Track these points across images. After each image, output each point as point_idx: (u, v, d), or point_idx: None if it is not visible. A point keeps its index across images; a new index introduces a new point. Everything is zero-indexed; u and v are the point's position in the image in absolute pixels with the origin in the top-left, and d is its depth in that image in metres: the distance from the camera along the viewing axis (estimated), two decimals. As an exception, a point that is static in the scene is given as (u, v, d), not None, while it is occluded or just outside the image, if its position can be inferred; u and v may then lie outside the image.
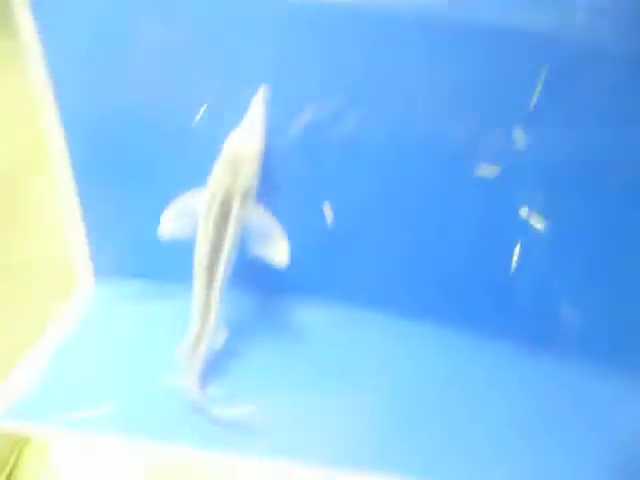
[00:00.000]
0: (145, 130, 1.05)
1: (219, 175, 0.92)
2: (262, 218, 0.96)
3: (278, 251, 0.95)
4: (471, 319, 1.10)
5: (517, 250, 1.00)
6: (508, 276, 1.03)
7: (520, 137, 0.92)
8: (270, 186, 1.00)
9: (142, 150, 1.07)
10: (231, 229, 0.92)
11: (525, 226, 0.98)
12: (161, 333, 1.10)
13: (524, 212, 0.98)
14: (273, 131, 0.97)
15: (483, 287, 1.07)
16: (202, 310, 0.97)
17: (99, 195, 1.13)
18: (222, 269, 0.94)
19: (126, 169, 1.09)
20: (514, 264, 1.01)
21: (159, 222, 1.05)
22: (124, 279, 1.22)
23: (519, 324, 1.08)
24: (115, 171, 1.10)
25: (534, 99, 0.89)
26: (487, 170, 0.96)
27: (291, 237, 0.94)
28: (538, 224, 0.97)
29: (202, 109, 1.00)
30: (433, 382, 1.04)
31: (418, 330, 1.13)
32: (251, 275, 1.15)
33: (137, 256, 1.20)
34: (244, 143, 0.93)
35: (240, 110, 0.95)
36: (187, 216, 0.96)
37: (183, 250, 1.04)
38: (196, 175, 0.94)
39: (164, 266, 1.17)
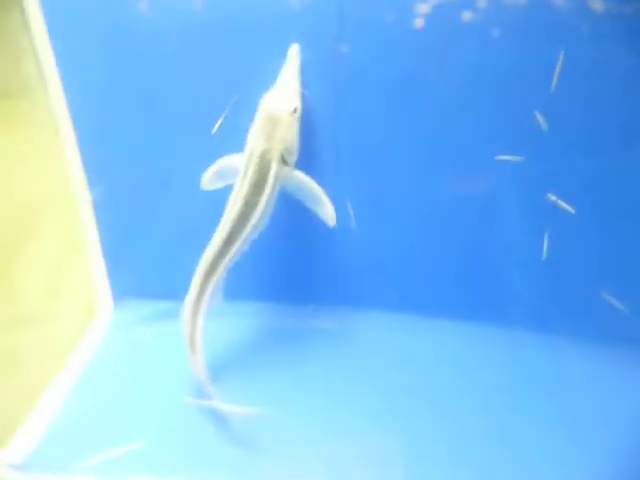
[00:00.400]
0: (162, 153, 1.05)
1: (256, 135, 0.89)
2: (303, 182, 0.93)
3: (324, 214, 0.94)
4: (504, 315, 1.08)
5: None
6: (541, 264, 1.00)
7: (542, 120, 0.90)
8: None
9: (159, 172, 1.07)
10: (267, 190, 0.88)
11: (554, 211, 0.95)
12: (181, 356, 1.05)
13: (552, 197, 0.95)
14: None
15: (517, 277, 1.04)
16: (211, 262, 0.93)
17: (116, 219, 1.13)
18: (249, 228, 0.90)
19: (143, 191, 1.09)
20: (545, 250, 0.99)
21: (176, 243, 1.10)
22: (142, 301, 1.20)
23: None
24: (132, 192, 1.09)
25: (554, 81, 0.87)
26: (508, 157, 0.94)
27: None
28: (568, 207, 0.95)
29: (219, 122, 0.98)
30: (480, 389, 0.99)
31: (448, 327, 1.10)
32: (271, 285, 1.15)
33: (154, 277, 1.19)
34: (279, 102, 0.88)
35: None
36: (228, 175, 0.93)
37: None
38: (213, 197, 0.94)
39: (182, 286, 1.11)
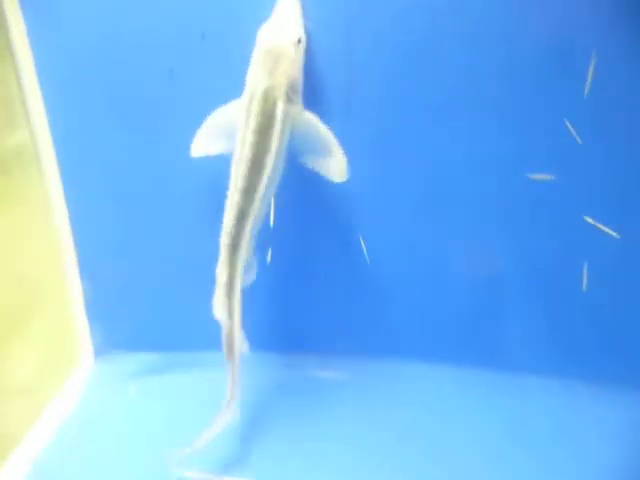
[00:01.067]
0: (146, 207, 0.99)
1: (256, 73, 0.76)
2: (312, 124, 0.80)
3: (334, 164, 0.79)
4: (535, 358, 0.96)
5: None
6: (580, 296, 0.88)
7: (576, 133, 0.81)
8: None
9: (142, 225, 1.01)
10: (275, 137, 0.76)
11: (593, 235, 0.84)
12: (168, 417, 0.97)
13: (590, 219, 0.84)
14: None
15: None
16: (233, 233, 0.79)
17: (99, 267, 1.05)
18: (265, 179, 0.77)
19: (127, 242, 1.03)
20: (585, 282, 0.87)
21: (161, 293, 1.04)
22: (126, 353, 1.09)
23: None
24: (116, 243, 1.03)
25: (587, 89, 0.78)
26: (541, 176, 0.84)
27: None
28: (609, 231, 0.84)
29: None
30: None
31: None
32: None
33: (139, 328, 1.09)
34: (280, 33, 0.76)
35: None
36: (223, 131, 0.80)
37: (184, 319, 1.04)
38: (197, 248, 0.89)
39: (168, 337, 1.08)
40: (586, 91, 0.78)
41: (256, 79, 0.76)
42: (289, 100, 0.76)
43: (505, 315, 0.97)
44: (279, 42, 0.76)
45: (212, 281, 1.01)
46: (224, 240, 0.80)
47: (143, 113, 0.92)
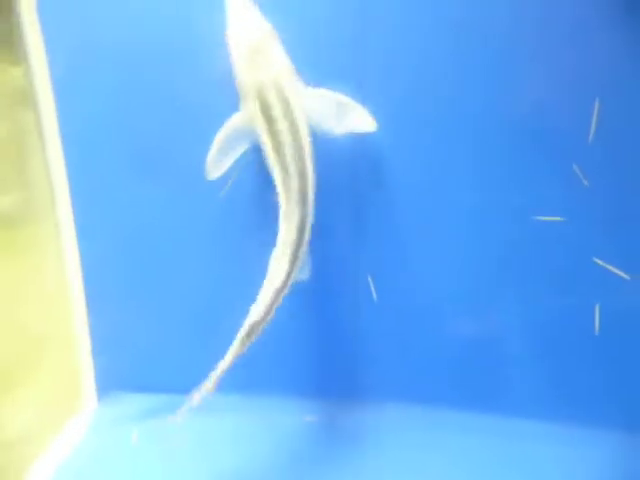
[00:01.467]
0: (154, 249, 1.00)
1: (248, 74, 0.78)
2: (319, 94, 0.81)
3: (357, 117, 0.81)
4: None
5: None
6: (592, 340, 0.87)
7: (582, 176, 0.83)
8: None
9: (150, 266, 1.01)
10: (295, 121, 0.77)
11: (604, 276, 0.84)
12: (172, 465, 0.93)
13: (599, 261, 0.85)
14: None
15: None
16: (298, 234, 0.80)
17: (105, 308, 1.04)
18: (308, 157, 0.78)
19: (134, 282, 1.03)
20: (597, 324, 0.86)
21: (164, 337, 1.03)
22: (129, 394, 1.07)
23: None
24: (122, 284, 1.03)
25: (592, 132, 0.81)
26: (550, 218, 0.85)
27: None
28: (621, 272, 0.84)
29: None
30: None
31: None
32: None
33: (143, 368, 1.07)
34: (248, 28, 0.79)
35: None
36: (232, 145, 0.82)
37: (188, 361, 0.99)
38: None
39: (175, 378, 1.02)
40: (591, 137, 0.81)
41: (251, 80, 0.78)
42: (288, 87, 0.78)
43: (514, 360, 0.95)
44: (254, 35, 0.78)
45: (217, 323, 1.02)
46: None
47: (152, 160, 0.95)
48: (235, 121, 0.82)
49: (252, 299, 0.99)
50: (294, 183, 0.78)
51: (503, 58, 0.81)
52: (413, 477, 0.88)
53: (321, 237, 0.92)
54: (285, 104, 0.77)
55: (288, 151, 0.78)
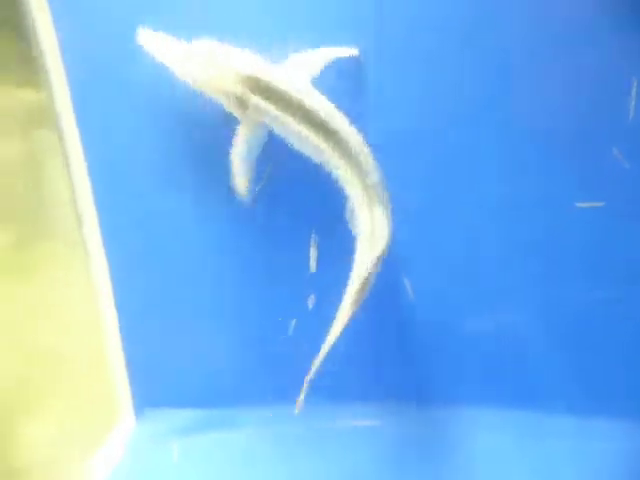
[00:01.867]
0: (187, 265, 0.99)
1: (214, 83, 0.80)
2: None
3: None
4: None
5: None
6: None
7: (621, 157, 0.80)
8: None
9: (185, 283, 1.00)
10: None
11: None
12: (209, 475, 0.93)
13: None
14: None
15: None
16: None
17: (141, 326, 1.03)
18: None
19: (167, 296, 1.01)
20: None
21: (199, 351, 1.01)
22: (168, 410, 1.05)
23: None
24: (157, 302, 1.02)
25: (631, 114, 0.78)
26: (591, 203, 0.82)
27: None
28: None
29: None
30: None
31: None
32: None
33: (182, 383, 1.05)
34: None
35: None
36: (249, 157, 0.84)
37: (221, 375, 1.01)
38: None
39: (214, 391, 1.04)
40: (630, 115, 0.78)
41: (219, 83, 0.79)
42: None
43: (544, 356, 0.93)
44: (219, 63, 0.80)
45: (252, 337, 1.01)
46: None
47: (178, 175, 0.94)
48: (242, 133, 0.83)
49: (284, 313, 1.00)
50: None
51: (539, 41, 0.79)
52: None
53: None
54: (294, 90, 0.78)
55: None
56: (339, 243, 0.92)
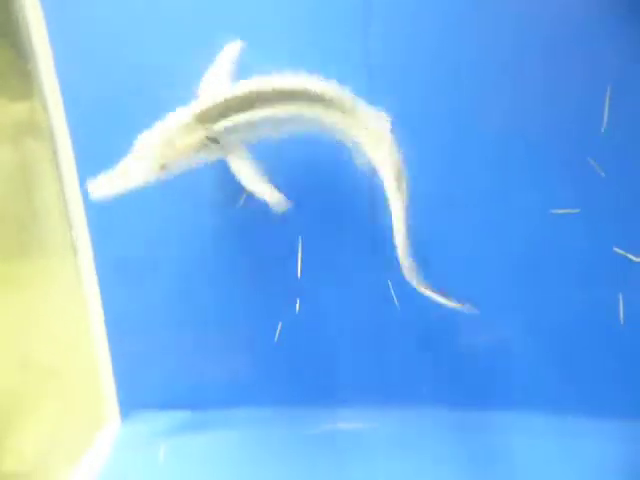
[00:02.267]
0: (174, 267, 1.00)
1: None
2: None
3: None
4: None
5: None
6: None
7: (597, 166, 0.83)
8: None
9: (171, 284, 1.01)
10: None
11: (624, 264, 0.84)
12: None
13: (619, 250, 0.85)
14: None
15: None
16: None
17: (127, 328, 1.04)
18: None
19: (154, 300, 1.02)
20: (622, 314, 0.86)
21: (185, 354, 1.02)
22: (154, 412, 1.06)
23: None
24: (144, 303, 1.02)
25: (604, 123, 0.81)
26: (566, 210, 0.85)
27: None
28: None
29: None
30: None
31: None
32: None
33: (168, 385, 1.06)
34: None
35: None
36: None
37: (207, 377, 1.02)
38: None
39: (201, 393, 1.05)
40: (603, 128, 0.81)
41: (182, 147, 0.77)
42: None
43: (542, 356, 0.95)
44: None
45: (240, 338, 1.03)
46: None
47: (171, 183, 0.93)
48: (235, 161, 0.81)
49: (272, 316, 1.01)
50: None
51: (514, 52, 0.82)
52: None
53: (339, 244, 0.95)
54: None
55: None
56: (326, 249, 0.96)
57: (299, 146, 0.85)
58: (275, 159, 0.82)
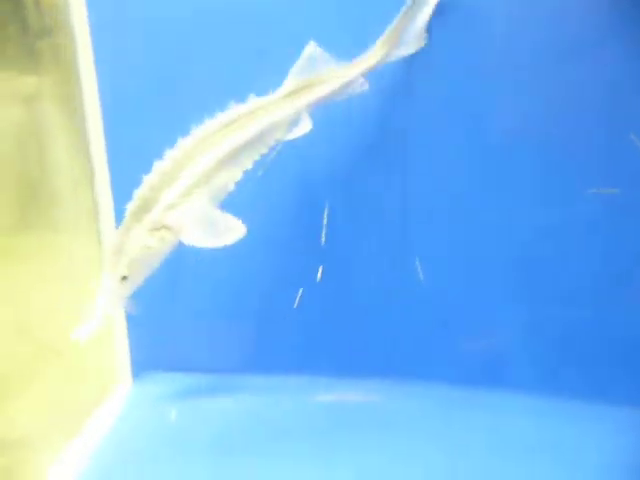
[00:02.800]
0: None
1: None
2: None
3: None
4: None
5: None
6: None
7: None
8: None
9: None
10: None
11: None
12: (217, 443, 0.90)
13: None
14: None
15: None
16: None
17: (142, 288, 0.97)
18: None
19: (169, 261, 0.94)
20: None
21: (198, 315, 1.01)
22: (167, 374, 1.04)
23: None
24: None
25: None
26: (605, 189, 0.83)
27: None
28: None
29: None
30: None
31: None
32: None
33: (182, 347, 1.04)
34: None
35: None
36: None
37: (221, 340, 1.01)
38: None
39: (215, 357, 1.03)
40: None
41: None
42: None
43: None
44: None
45: (258, 303, 1.01)
46: None
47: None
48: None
49: (293, 282, 0.98)
50: None
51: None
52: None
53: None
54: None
55: None
56: (349, 213, 0.94)
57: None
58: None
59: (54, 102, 1.03)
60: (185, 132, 0.86)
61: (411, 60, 0.85)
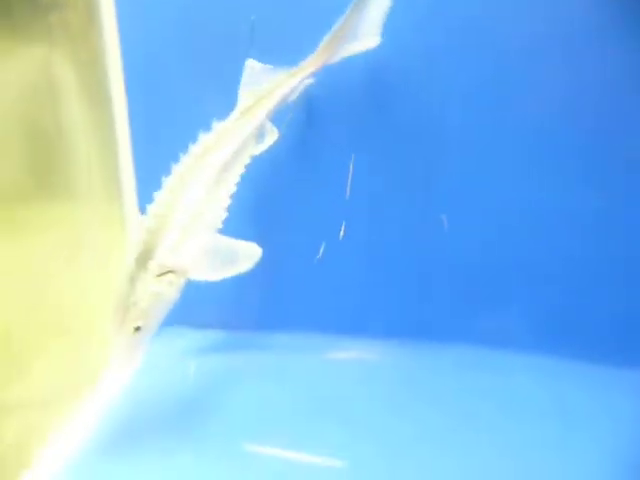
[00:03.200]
0: None
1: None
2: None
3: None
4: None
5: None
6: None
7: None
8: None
9: None
10: None
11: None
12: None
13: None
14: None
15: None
16: None
17: None
18: None
19: None
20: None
21: None
22: (186, 329, 1.04)
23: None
24: None
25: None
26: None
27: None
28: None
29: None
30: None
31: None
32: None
33: (201, 303, 1.00)
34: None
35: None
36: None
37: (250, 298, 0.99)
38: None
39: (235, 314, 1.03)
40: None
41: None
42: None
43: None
44: None
45: (283, 261, 0.99)
46: None
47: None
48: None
49: (315, 236, 0.97)
50: None
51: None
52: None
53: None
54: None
55: None
56: (374, 167, 0.92)
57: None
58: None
59: (74, 68, 1.01)
60: (209, 91, 0.87)
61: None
